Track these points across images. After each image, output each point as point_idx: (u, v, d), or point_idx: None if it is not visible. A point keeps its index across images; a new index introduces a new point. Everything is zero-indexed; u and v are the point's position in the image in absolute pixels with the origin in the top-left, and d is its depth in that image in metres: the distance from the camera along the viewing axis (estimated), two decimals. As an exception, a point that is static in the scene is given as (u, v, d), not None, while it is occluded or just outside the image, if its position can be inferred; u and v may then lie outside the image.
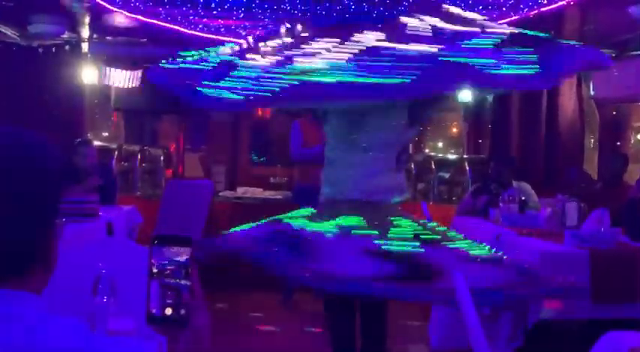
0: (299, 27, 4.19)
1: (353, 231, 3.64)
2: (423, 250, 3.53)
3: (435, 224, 4.13)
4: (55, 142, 1.42)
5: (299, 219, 3.82)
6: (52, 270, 1.39)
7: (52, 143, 1.38)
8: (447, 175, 9.65)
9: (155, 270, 1.40)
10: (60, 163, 1.40)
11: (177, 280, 1.40)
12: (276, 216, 3.94)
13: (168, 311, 1.39)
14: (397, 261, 3.43)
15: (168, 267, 1.40)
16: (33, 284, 1.33)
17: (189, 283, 1.40)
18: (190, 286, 1.40)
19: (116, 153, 9.38)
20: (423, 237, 3.71)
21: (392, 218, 3.91)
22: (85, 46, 9.23)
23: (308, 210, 4.06)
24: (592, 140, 9.89)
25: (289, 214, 3.97)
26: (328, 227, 3.66)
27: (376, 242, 3.55)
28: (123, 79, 9.49)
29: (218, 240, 3.75)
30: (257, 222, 3.88)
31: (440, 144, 12.94)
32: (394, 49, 3.65)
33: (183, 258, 1.41)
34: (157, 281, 1.39)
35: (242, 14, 7.05)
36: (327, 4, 5.01)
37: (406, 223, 3.90)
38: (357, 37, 3.81)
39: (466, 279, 2.92)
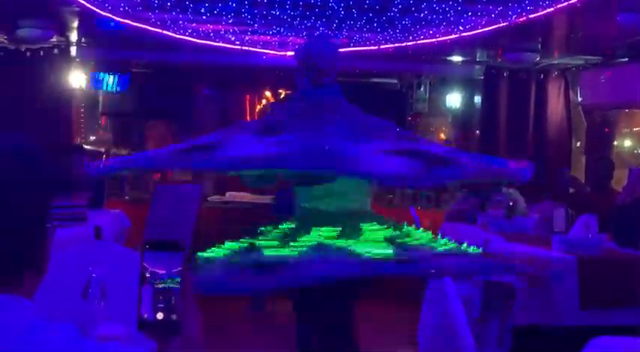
0: None
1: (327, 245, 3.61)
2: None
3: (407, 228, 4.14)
4: (43, 146, 1.42)
5: (271, 246, 3.72)
6: (43, 275, 1.39)
7: (44, 150, 1.38)
8: (435, 180, 9.66)
9: (147, 275, 1.40)
10: (51, 169, 1.40)
11: (169, 285, 1.40)
12: (250, 241, 3.79)
13: (160, 315, 1.39)
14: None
15: (160, 272, 1.40)
16: (24, 289, 1.33)
17: (180, 287, 1.40)
18: (182, 290, 1.40)
19: (104, 157, 9.35)
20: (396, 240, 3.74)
21: (365, 224, 3.93)
22: (73, 50, 9.21)
23: (281, 230, 3.96)
24: (579, 145, 9.94)
25: (263, 238, 3.82)
26: (302, 249, 3.59)
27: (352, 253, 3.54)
28: (111, 83, 9.49)
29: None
30: (230, 248, 3.75)
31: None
32: None
33: (174, 263, 1.41)
34: (148, 286, 1.39)
35: (231, 19, 7.04)
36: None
37: (379, 228, 3.92)
38: None
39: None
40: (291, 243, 3.62)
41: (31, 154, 1.36)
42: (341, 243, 3.61)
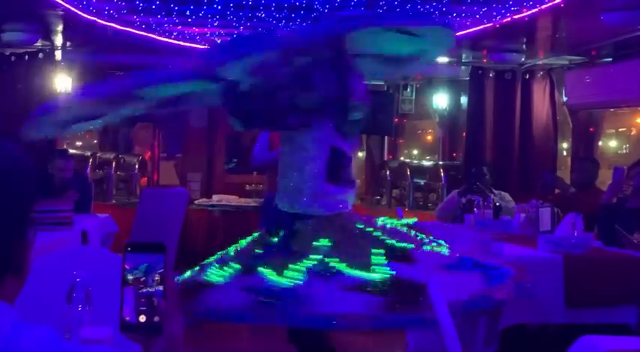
0: None
1: (326, 261, 3.59)
2: (394, 273, 3.53)
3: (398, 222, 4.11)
4: (28, 151, 1.41)
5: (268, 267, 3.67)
6: (25, 279, 1.38)
7: (25, 152, 1.37)
8: (422, 182, 9.69)
9: (129, 277, 1.39)
10: (34, 173, 1.39)
11: (151, 287, 1.40)
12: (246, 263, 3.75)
13: (142, 318, 1.38)
14: (379, 290, 3.42)
15: (142, 274, 1.40)
16: (4, 294, 1.32)
17: (162, 290, 1.40)
18: (164, 293, 1.40)
19: (90, 161, 9.33)
20: (394, 250, 3.72)
21: (359, 230, 3.88)
22: (58, 54, 9.18)
23: (274, 239, 3.90)
24: (565, 145, 9.98)
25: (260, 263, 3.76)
26: (299, 272, 3.56)
27: (352, 276, 3.51)
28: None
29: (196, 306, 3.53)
30: (228, 271, 3.71)
31: (415, 152, 13.01)
32: None
33: (156, 265, 1.41)
34: (130, 289, 1.39)
35: (217, 22, 7.04)
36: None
37: (374, 233, 3.88)
38: None
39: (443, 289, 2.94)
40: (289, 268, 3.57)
41: (12, 158, 1.36)
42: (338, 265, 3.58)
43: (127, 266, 1.39)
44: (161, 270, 1.40)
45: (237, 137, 10.95)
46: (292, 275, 3.50)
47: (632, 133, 10.85)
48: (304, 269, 3.54)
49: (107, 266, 2.49)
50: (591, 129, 9.51)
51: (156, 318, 1.38)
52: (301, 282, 3.45)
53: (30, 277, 1.41)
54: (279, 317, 3.40)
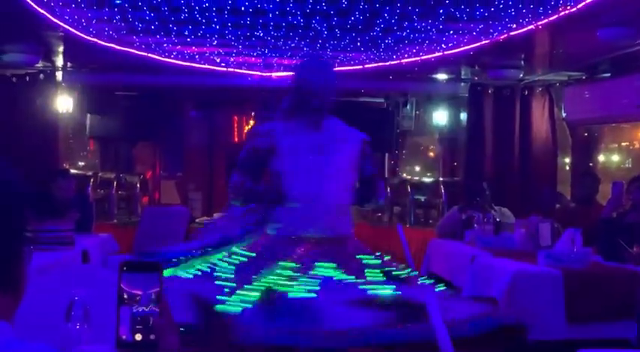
0: None
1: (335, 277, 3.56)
2: (400, 292, 3.51)
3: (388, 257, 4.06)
4: (31, 171, 1.43)
5: (281, 278, 3.61)
6: (20, 297, 1.39)
7: (16, 169, 1.39)
8: (422, 198, 9.70)
9: (125, 296, 1.41)
10: (27, 192, 1.40)
11: (147, 305, 1.41)
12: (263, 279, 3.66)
13: (138, 336, 1.40)
14: (386, 306, 3.39)
15: (138, 292, 1.41)
16: (1, 311, 1.33)
17: (158, 308, 1.41)
18: (160, 311, 1.41)
19: (92, 180, 9.36)
20: (393, 274, 3.70)
21: (359, 256, 3.83)
22: (59, 75, 9.23)
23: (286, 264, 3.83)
24: (565, 161, 9.99)
25: (270, 274, 3.67)
26: (310, 285, 3.52)
27: (360, 289, 3.48)
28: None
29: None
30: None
31: (416, 168, 13.00)
32: None
33: (152, 284, 1.42)
34: (126, 307, 1.40)
35: (215, 41, 7.08)
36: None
37: (371, 260, 3.84)
38: None
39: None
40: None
41: (4, 176, 1.37)
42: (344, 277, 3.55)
43: (123, 285, 1.41)
44: (157, 289, 1.42)
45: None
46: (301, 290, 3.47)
47: (635, 147, 10.86)
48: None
49: (105, 285, 2.51)
50: (591, 145, 9.53)
51: (152, 336, 1.40)
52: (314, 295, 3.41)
53: (29, 295, 1.42)
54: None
